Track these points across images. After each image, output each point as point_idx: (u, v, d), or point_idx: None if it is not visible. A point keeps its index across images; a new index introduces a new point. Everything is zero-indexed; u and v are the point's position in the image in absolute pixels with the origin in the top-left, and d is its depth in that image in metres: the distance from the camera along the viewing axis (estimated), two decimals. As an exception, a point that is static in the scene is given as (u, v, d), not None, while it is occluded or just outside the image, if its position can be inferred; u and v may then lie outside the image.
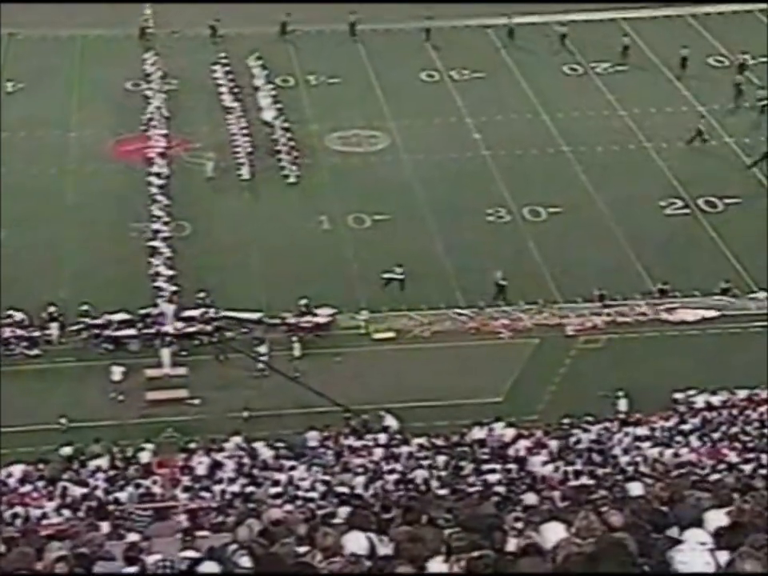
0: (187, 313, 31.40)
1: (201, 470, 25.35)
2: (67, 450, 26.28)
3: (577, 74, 46.62)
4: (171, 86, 44.21)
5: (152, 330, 30.87)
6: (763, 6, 49.78)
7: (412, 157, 40.75)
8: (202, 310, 31.43)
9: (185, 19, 48.19)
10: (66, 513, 22.59)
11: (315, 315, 31.85)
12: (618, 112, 43.55)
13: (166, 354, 30.20)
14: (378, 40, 48.84)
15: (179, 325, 31.05)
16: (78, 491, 23.69)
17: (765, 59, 45.68)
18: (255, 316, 31.42)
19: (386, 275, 32.75)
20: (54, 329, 31.10)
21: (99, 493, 23.75)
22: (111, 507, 22.72)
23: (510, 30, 48.53)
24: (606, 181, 39.21)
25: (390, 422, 27.68)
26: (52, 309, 31.29)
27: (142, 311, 31.22)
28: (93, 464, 25.54)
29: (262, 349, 30.31)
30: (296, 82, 45.67)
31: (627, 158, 40.70)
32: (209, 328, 31.29)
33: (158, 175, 37.56)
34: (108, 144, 40.79)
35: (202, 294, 31.65)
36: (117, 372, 29.45)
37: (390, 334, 32.00)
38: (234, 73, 44.21)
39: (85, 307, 31.20)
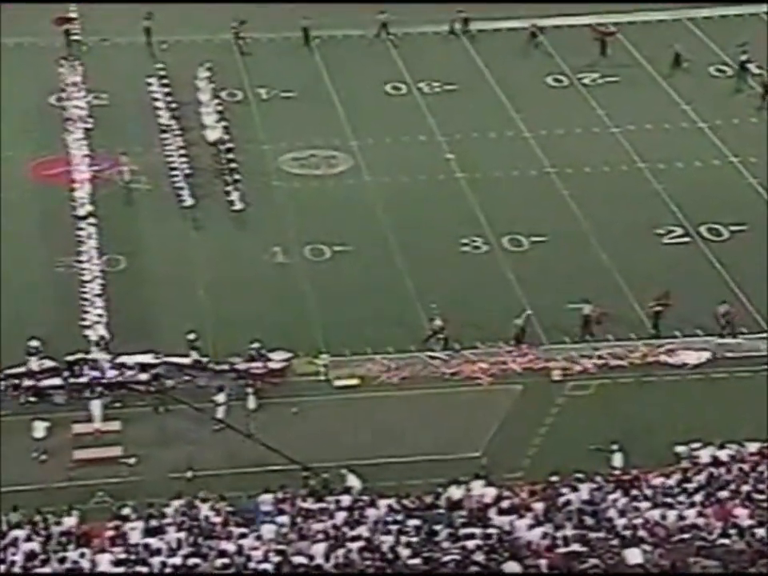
0: (121, 359, 31.24)
1: (136, 539, 25.12)
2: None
3: (562, 86, 47.27)
4: (100, 101, 44.27)
5: (80, 380, 30.64)
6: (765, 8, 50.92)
7: (377, 180, 41.01)
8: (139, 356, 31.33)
9: (117, 25, 48.42)
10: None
11: (268, 360, 31.81)
12: (609, 129, 44.16)
13: (96, 406, 29.99)
14: (336, 48, 49.30)
15: (111, 373, 30.86)
16: (-8, 568, 23.42)
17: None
18: (193, 360, 31.31)
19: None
20: (-36, 378, 30.84)
21: (17, 570, 23.38)
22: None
23: (472, 36, 49.32)
24: (595, 206, 39.63)
25: (354, 481, 27.63)
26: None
27: (69, 358, 31.01)
28: (10, 535, 25.19)
29: (220, 398, 30.20)
30: (245, 95, 45.92)
31: (619, 180, 41.21)
32: (146, 376, 31.13)
33: (84, 202, 37.43)
34: (27, 166, 40.71)
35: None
36: (39, 428, 29.16)
37: (354, 381, 32.01)
38: (173, 86, 44.37)
39: None
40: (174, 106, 43.17)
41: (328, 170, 41.71)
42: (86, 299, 33.10)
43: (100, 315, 32.38)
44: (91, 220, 36.34)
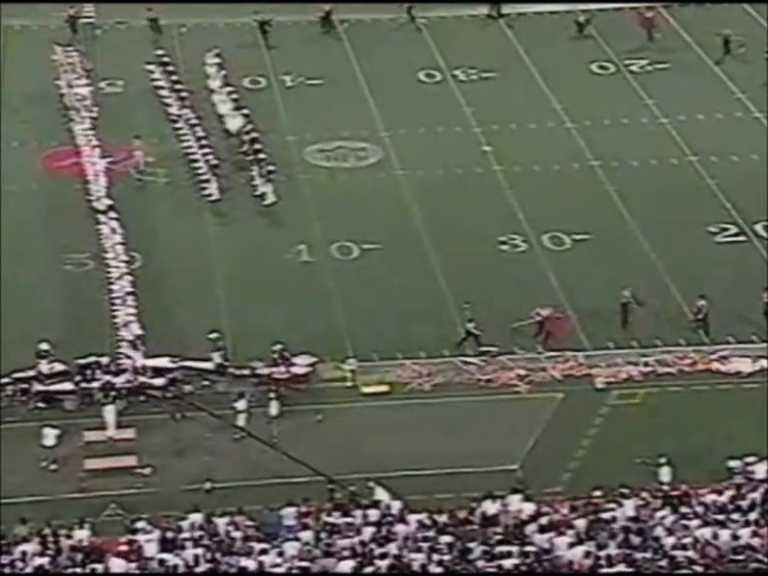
0: (137, 362, 31.40)
1: (150, 554, 25.22)
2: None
3: (608, 73, 47.14)
4: (115, 88, 44.51)
5: (93, 385, 30.80)
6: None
7: (409, 173, 41.01)
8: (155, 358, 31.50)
9: (129, 8, 48.68)
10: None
11: (292, 364, 31.86)
12: (658, 119, 43.98)
13: (109, 412, 30.13)
14: (366, 32, 49.35)
15: (124, 378, 30.99)
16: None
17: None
18: (212, 364, 31.43)
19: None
20: (-30, 382, 31.09)
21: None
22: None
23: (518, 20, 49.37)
24: (642, 202, 39.47)
25: (382, 495, 27.62)
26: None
27: (81, 361, 31.19)
28: (18, 550, 25.29)
29: (241, 405, 30.29)
30: (268, 82, 46.04)
31: (669, 174, 41.02)
32: (162, 381, 31.27)
33: (101, 195, 37.62)
34: (37, 157, 40.98)
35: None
36: (49, 435, 29.26)
37: (383, 388, 32.01)
38: (179, 73, 44.38)
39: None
40: (184, 94, 43.20)
41: (357, 162, 41.75)
42: (116, 297, 33.27)
43: (133, 314, 32.52)
44: (112, 214, 36.47)
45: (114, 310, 32.95)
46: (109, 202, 37.09)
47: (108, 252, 35.19)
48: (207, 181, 39.28)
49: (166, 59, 45.26)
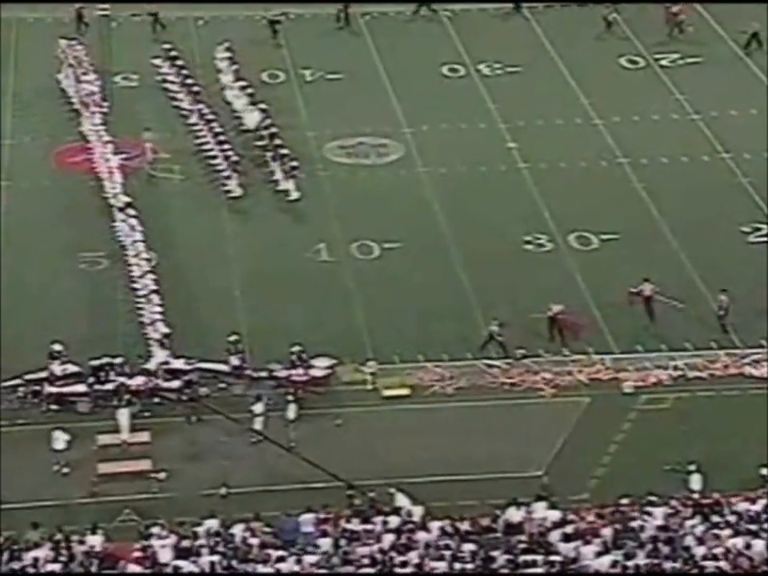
0: (149, 364, 31.50)
1: (165, 560, 25.25)
2: (-3, 539, 26.21)
3: (637, 67, 47.01)
4: (130, 82, 44.63)
5: (106, 387, 30.89)
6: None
7: (431, 170, 41.00)
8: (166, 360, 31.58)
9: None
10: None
11: (311, 366, 31.89)
12: (690, 115, 43.84)
13: (123, 415, 30.21)
14: (387, 26, 49.35)
15: (140, 380, 31.10)
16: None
17: None
18: (228, 366, 31.49)
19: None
20: (-20, 384, 31.24)
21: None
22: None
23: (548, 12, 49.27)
24: (673, 201, 39.34)
25: (403, 501, 27.63)
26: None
27: (94, 362, 31.28)
28: (30, 555, 25.43)
29: (258, 408, 30.33)
30: (287, 77, 46.10)
31: (700, 172, 40.89)
32: (177, 383, 31.34)
33: (117, 192, 37.66)
34: (49, 153, 41.13)
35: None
36: (60, 439, 29.35)
37: (404, 391, 32.00)
38: (189, 68, 44.35)
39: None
40: (196, 89, 43.22)
41: (378, 159, 41.76)
42: (139, 296, 33.35)
43: (159, 312, 32.61)
44: (131, 211, 36.56)
45: (139, 309, 33.06)
46: (127, 199, 37.15)
47: (128, 250, 35.25)
48: (228, 177, 39.33)
49: (174, 53, 45.08)
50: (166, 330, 32.09)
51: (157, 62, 45.17)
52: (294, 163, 39.46)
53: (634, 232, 37.82)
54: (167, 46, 45.57)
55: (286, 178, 39.28)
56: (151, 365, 31.34)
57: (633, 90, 45.31)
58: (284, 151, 39.94)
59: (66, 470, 29.07)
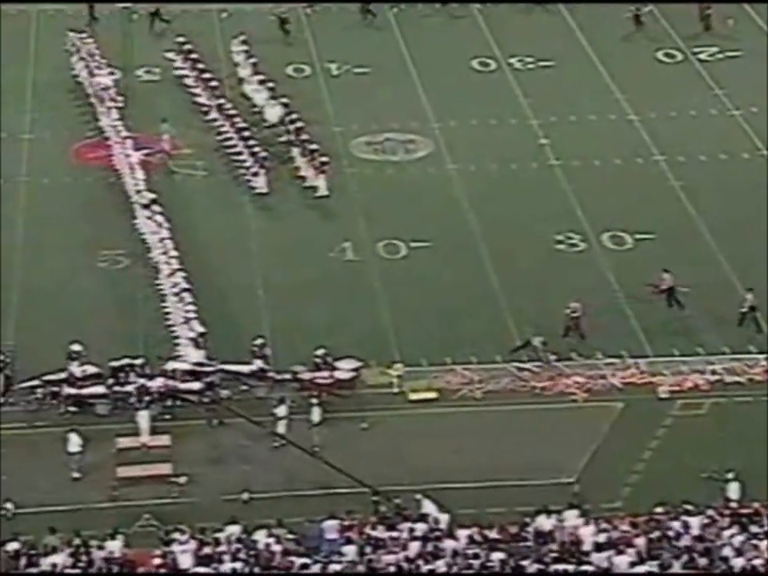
0: (171, 365, 31.61)
1: (186, 567, 25.35)
2: (14, 545, 26.26)
3: (675, 62, 46.84)
4: (152, 76, 44.78)
5: (126, 388, 31.01)
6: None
7: (460, 167, 40.98)
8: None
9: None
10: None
11: (335, 369, 31.94)
12: (729, 110, 43.64)
13: (143, 418, 30.34)
14: (416, 19, 49.33)
15: (159, 382, 31.19)
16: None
17: None
18: (253, 368, 31.59)
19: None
20: (-3, 383, 31.42)
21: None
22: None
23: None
24: (711, 200, 39.19)
25: (430, 507, 27.63)
26: (-3, 357, 31.62)
27: (114, 363, 31.41)
28: (47, 561, 25.56)
29: (281, 411, 30.41)
30: (313, 71, 46.17)
31: (740, 170, 40.70)
32: (199, 385, 31.44)
33: (141, 189, 37.75)
34: (68, 148, 41.32)
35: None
36: (74, 441, 29.39)
37: (431, 394, 32.00)
38: (203, 61, 44.27)
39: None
40: (215, 83, 43.21)
41: (405, 155, 41.77)
42: (169, 295, 33.46)
43: (193, 311, 32.70)
44: (156, 208, 36.66)
45: (169, 308, 33.20)
46: (151, 195, 37.22)
47: (155, 248, 35.38)
48: (255, 174, 39.37)
49: (188, 47, 45.04)
50: (201, 329, 32.13)
51: (170, 55, 45.16)
52: (325, 159, 39.49)
53: (670, 231, 37.68)
54: (181, 40, 45.54)
55: (315, 174, 39.34)
56: (184, 365, 31.34)
57: (670, 84, 45.17)
58: (313, 146, 39.95)
59: (76, 474, 29.05)
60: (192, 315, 32.59)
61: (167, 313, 33.26)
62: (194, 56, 44.66)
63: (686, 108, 43.63)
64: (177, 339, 32.31)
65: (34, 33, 47.57)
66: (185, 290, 33.52)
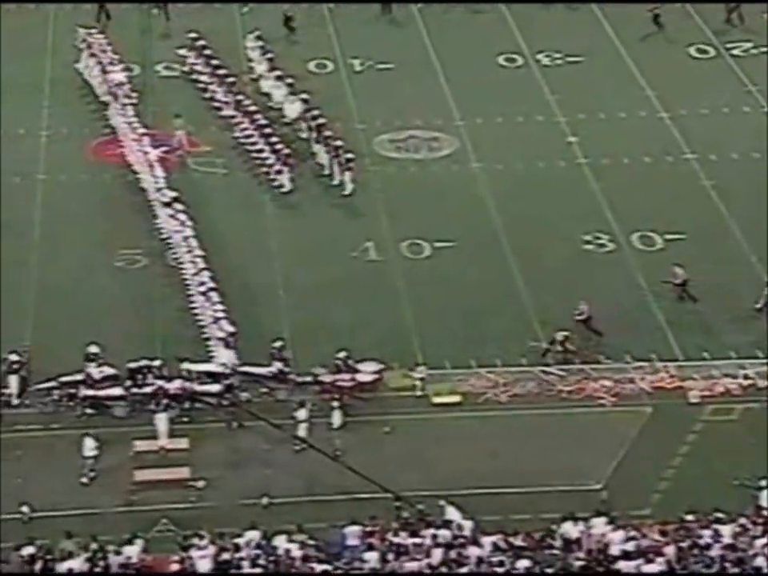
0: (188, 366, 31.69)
1: (204, 572, 25.42)
2: (30, 549, 26.36)
3: (707, 57, 46.68)
4: (172, 72, 44.91)
5: (144, 390, 31.11)
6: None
7: (486, 166, 40.95)
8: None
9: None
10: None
11: (357, 371, 31.96)
12: (764, 108, 43.47)
13: (161, 420, 30.42)
14: (441, 13, 49.29)
15: (179, 383, 31.26)
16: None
17: None
18: (274, 370, 31.65)
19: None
20: (12, 384, 31.47)
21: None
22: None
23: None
24: (743, 199, 39.03)
25: (454, 514, 27.63)
26: (13, 357, 31.65)
27: (132, 365, 31.51)
28: (64, 567, 25.68)
29: (302, 414, 30.45)
30: (335, 67, 46.22)
31: (773, 168, 40.60)
32: (218, 387, 31.51)
33: (161, 187, 37.81)
34: (86, 145, 41.46)
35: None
36: (88, 445, 29.44)
37: (455, 398, 31.98)
38: (219, 57, 44.18)
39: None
40: (232, 79, 43.16)
41: (429, 153, 41.77)
42: (197, 294, 33.58)
43: (222, 310, 32.80)
44: (178, 206, 36.72)
45: (197, 308, 33.29)
46: (173, 193, 37.27)
47: (180, 246, 35.43)
48: (279, 172, 39.38)
49: (201, 42, 44.91)
50: (232, 329, 32.21)
51: (182, 52, 45.18)
52: (350, 155, 39.52)
53: (701, 232, 37.56)
54: (193, 35, 45.51)
55: (341, 172, 39.36)
56: (219, 366, 31.44)
57: (702, 80, 45.05)
58: (338, 143, 39.98)
59: (84, 479, 29.07)
60: (221, 314, 32.66)
61: (195, 312, 33.34)
62: (207, 52, 44.68)
63: (718, 105, 43.48)
64: (207, 339, 32.36)
65: (52, 28, 47.74)
66: (211, 289, 33.59)
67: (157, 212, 37.29)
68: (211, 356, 31.95)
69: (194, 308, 33.57)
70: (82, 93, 43.99)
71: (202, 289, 33.62)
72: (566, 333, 32.65)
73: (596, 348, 33.10)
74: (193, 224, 36.17)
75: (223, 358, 31.67)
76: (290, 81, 43.03)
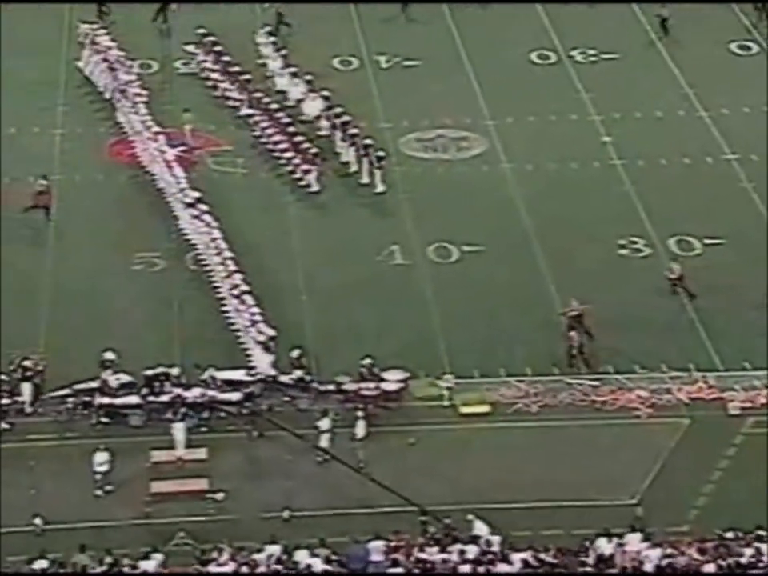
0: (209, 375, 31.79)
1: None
2: (42, 563, 26.46)
3: (749, 54, 46.53)
4: (189, 69, 45.01)
5: (161, 399, 31.18)
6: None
7: (516, 166, 40.93)
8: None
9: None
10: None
11: (382, 380, 31.97)
12: (808, 108, 43.40)
13: (179, 430, 30.48)
14: (471, 8, 49.29)
15: (196, 392, 31.33)
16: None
17: None
18: (293, 379, 31.70)
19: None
20: (26, 392, 31.57)
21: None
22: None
23: None
24: (786, 202, 38.98)
25: (482, 529, 27.60)
26: (27, 363, 31.72)
27: (149, 372, 31.59)
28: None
29: (325, 424, 30.47)
30: (361, 63, 46.27)
31: (817, 170, 40.42)
32: (238, 396, 31.56)
33: (184, 187, 37.81)
34: (102, 145, 41.63)
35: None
36: (101, 458, 29.36)
37: (483, 408, 31.96)
38: (229, 53, 44.14)
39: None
40: (247, 77, 43.08)
41: (458, 153, 41.78)
42: (228, 297, 33.66)
43: (258, 313, 32.86)
44: (203, 207, 36.70)
45: (230, 312, 33.36)
46: (196, 194, 37.29)
47: (207, 249, 35.47)
48: (307, 172, 39.40)
49: (211, 39, 44.82)
50: (272, 332, 32.26)
51: (190, 48, 45.10)
52: (380, 153, 39.53)
53: (741, 236, 37.44)
54: (202, 31, 45.39)
55: (370, 171, 39.37)
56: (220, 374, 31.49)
57: (744, 78, 44.86)
58: (367, 141, 39.98)
59: (98, 492, 29.12)
60: (258, 318, 32.70)
61: (228, 317, 33.38)
62: (218, 48, 44.62)
63: (760, 103, 43.32)
64: (244, 344, 32.44)
65: (67, 27, 47.89)
66: (245, 292, 33.65)
67: (178, 213, 37.38)
68: (249, 361, 32.00)
69: (226, 312, 33.58)
70: (97, 91, 44.11)
71: (236, 292, 33.65)
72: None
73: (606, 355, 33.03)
74: (218, 225, 36.23)
75: (263, 362, 31.71)
76: (308, 78, 43.01)
